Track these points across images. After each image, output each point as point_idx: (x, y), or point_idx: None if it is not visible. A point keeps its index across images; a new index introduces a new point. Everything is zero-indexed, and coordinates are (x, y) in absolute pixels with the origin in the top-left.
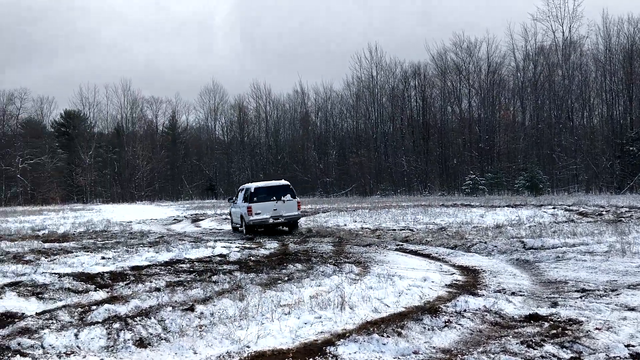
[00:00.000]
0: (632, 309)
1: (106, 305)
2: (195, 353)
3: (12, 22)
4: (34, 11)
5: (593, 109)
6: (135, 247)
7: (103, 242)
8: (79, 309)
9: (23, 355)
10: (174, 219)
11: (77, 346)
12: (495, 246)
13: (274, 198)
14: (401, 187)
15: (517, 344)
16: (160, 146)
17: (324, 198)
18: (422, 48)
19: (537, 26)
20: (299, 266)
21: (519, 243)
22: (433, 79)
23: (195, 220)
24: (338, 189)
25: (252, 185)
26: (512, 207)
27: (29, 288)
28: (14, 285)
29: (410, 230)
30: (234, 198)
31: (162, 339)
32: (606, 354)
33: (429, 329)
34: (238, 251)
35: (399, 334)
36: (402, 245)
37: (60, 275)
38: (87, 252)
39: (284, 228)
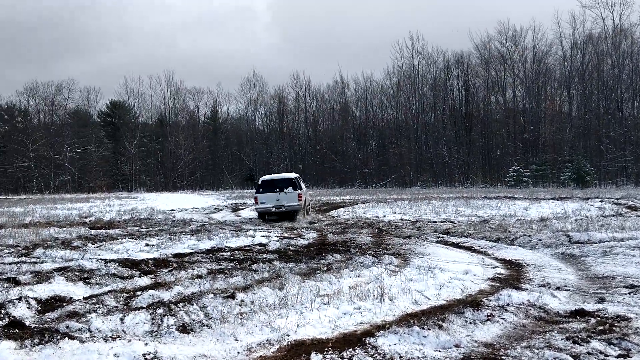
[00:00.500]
0: None
1: (150, 291)
2: (236, 340)
3: (60, 15)
4: (82, 4)
5: None
6: (177, 235)
7: (147, 230)
8: (124, 294)
9: (71, 338)
10: (215, 208)
11: (123, 330)
12: (540, 239)
13: (277, 190)
14: (442, 178)
15: (562, 339)
16: (201, 136)
17: (363, 189)
18: (466, 37)
19: (585, 13)
20: (338, 257)
21: (565, 237)
22: (476, 68)
23: (235, 209)
24: (377, 179)
25: (262, 178)
26: (558, 199)
27: (77, 273)
28: (62, 270)
29: (451, 222)
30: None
31: (204, 325)
32: None
33: (470, 323)
34: (277, 240)
35: (440, 327)
36: (442, 237)
37: (106, 261)
38: (132, 239)
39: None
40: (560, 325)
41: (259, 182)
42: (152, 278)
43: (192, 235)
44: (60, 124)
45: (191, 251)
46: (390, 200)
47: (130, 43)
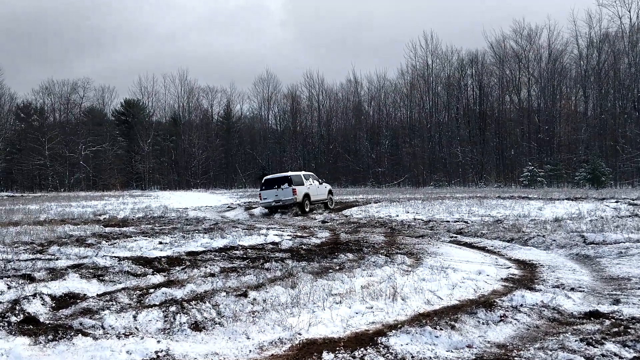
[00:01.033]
0: None
1: (163, 289)
2: (248, 338)
3: (75, 14)
4: (96, 3)
5: None
6: (190, 233)
7: (160, 228)
8: (138, 291)
9: (85, 334)
10: (228, 207)
11: (136, 327)
12: (554, 240)
13: (276, 187)
14: (455, 178)
15: (576, 341)
16: (215, 135)
17: (376, 188)
18: (480, 36)
19: (602, 12)
20: (350, 256)
21: (579, 237)
22: (491, 67)
23: (248, 208)
24: (390, 179)
25: (264, 178)
26: (572, 200)
27: (91, 270)
28: (76, 267)
29: (464, 222)
30: None
31: (216, 323)
32: None
33: (483, 323)
34: (290, 239)
35: (453, 327)
36: (456, 237)
37: (119, 259)
38: (146, 237)
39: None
40: (574, 327)
41: (262, 181)
42: (165, 276)
43: (205, 233)
44: (75, 123)
45: (204, 249)
46: (403, 199)
47: (144, 42)
